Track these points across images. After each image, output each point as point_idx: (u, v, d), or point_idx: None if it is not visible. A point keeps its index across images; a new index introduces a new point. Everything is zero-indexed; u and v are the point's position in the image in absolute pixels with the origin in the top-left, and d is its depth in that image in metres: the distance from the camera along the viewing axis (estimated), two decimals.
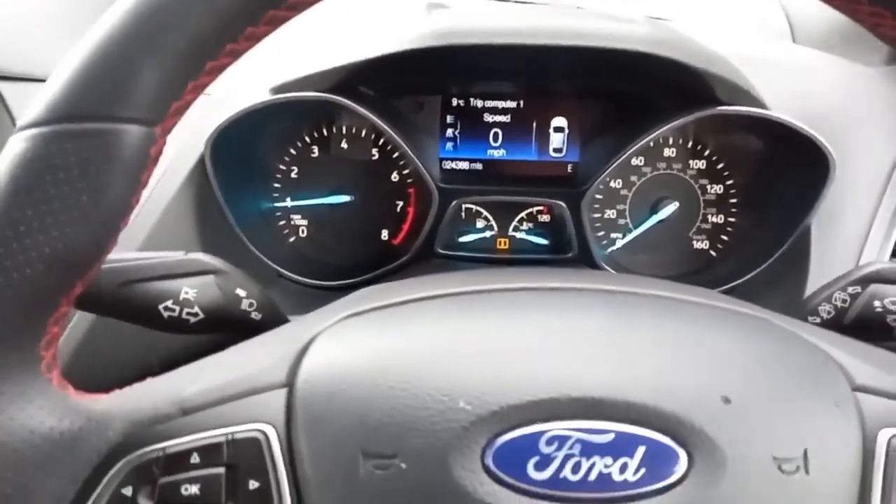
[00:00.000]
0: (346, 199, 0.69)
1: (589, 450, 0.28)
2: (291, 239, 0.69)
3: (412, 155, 0.62)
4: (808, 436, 0.29)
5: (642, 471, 0.28)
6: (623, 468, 0.28)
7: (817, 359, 0.32)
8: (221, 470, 0.29)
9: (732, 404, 0.29)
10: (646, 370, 0.29)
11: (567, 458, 0.28)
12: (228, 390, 0.30)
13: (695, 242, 0.69)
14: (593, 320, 0.33)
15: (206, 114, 0.57)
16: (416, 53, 0.56)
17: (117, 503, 0.28)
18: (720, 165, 0.67)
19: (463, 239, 0.69)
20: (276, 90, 0.59)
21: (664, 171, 0.68)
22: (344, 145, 0.68)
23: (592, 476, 0.28)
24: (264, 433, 0.29)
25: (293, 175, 0.68)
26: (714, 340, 0.32)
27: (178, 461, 0.29)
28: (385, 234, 0.70)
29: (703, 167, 0.68)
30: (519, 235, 0.69)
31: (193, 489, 0.28)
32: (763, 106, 0.59)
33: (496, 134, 0.68)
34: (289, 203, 0.69)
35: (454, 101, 0.68)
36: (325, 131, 0.67)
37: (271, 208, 0.68)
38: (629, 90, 0.65)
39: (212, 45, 0.28)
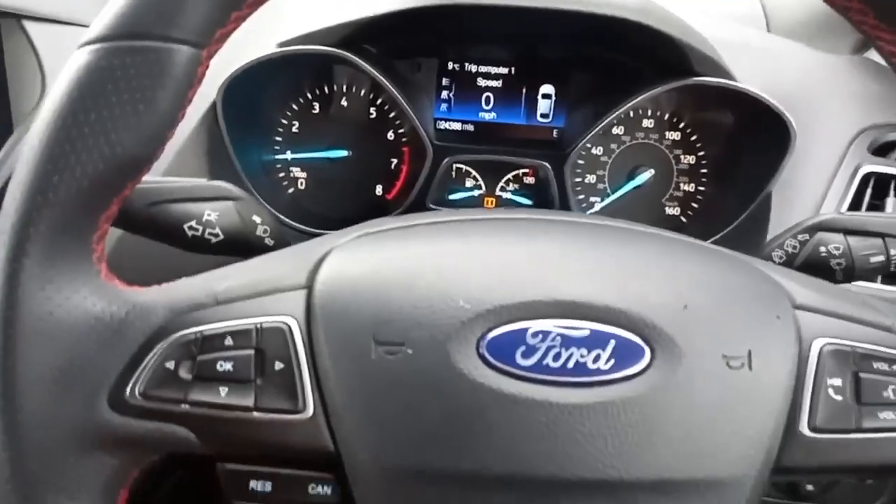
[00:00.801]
0: (343, 154, 0.72)
1: (568, 342, 0.33)
2: (290, 190, 0.73)
3: (410, 112, 0.66)
4: (753, 339, 0.34)
5: (612, 361, 0.33)
6: (596, 358, 0.33)
7: (764, 282, 0.37)
8: (251, 352, 0.33)
9: (689, 310, 0.34)
10: (618, 280, 0.34)
11: (549, 348, 0.33)
12: (256, 287, 0.35)
13: (667, 208, 0.74)
14: (576, 242, 0.37)
15: (218, 63, 0.61)
16: (416, 11, 0.60)
17: (161, 374, 0.32)
18: (693, 137, 0.72)
19: (453, 196, 0.74)
20: (284, 44, 0.63)
21: (642, 140, 0.73)
22: (343, 103, 0.72)
23: (570, 364, 0.33)
24: (287, 324, 0.34)
25: (294, 129, 0.72)
26: (677, 261, 0.37)
27: (213, 342, 0.33)
28: (379, 190, 0.74)
29: (678, 138, 0.73)
30: (505, 195, 0.74)
31: (227, 366, 0.33)
32: (734, 80, 0.64)
33: (488, 98, 0.72)
34: (289, 156, 0.72)
35: (450, 65, 0.72)
36: (326, 89, 0.71)
37: (273, 160, 0.72)
38: (613, 58, 0.69)
39: None
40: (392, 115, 0.71)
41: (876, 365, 0.34)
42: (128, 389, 0.32)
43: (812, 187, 0.65)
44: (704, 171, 0.73)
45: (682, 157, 0.73)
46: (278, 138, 0.72)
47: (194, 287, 0.35)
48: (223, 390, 0.33)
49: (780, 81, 0.70)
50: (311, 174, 0.73)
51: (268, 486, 0.34)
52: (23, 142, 0.56)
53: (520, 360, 0.33)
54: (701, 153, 0.73)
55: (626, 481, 0.32)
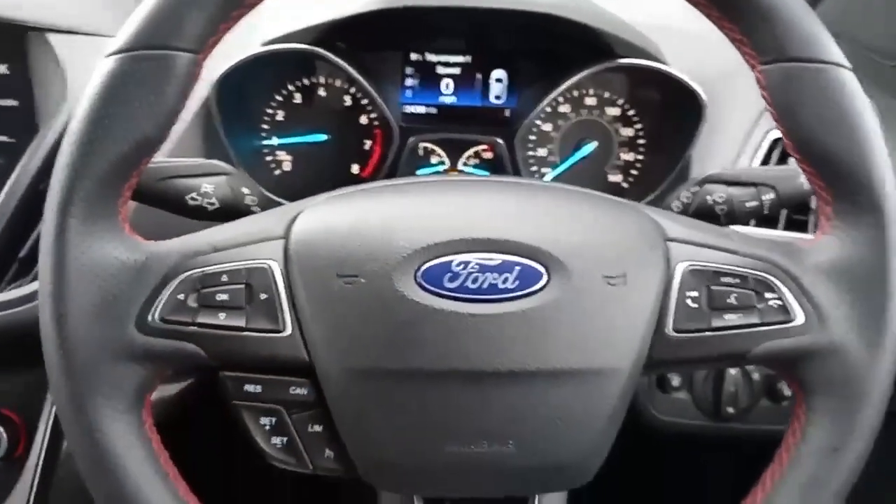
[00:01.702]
0: (322, 138, 0.82)
1: (483, 269, 0.42)
2: (277, 172, 0.83)
3: (379, 100, 0.76)
4: (628, 263, 0.44)
5: (517, 282, 0.42)
6: (505, 280, 0.42)
7: (643, 220, 0.46)
8: (242, 286, 0.43)
9: (578, 243, 0.44)
10: (523, 222, 0.44)
11: (469, 274, 0.42)
12: (245, 238, 0.44)
13: (610, 176, 0.84)
14: (491, 196, 0.47)
15: (210, 61, 0.71)
16: (379, 12, 0.70)
17: (174, 303, 0.42)
18: (630, 112, 0.82)
19: (420, 172, 0.83)
20: (267, 43, 0.73)
21: (586, 116, 0.82)
22: (321, 93, 0.81)
23: (486, 285, 0.42)
24: (270, 265, 0.43)
25: (278, 118, 0.81)
26: (572, 206, 0.46)
27: (212, 279, 0.43)
28: (356, 168, 0.84)
29: (618, 114, 0.82)
30: (467, 169, 0.84)
31: (224, 297, 0.42)
32: (657, 61, 0.74)
33: (447, 84, 0.82)
34: (275, 141, 0.82)
35: (413, 56, 0.81)
36: (305, 81, 0.81)
37: (261, 145, 0.82)
38: (552, 47, 0.79)
39: None
40: (364, 102, 0.81)
41: (724, 279, 0.44)
42: (149, 316, 0.42)
43: (727, 151, 0.75)
44: (641, 141, 0.83)
45: (621, 129, 0.83)
46: (265, 126, 0.81)
47: (197, 239, 0.45)
48: (222, 315, 0.42)
49: (705, 60, 0.80)
50: (295, 156, 0.83)
51: (258, 388, 0.44)
52: (46, 137, 0.66)
53: (447, 284, 0.42)
54: (638, 126, 0.82)
55: (528, 370, 0.42)
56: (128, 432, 0.42)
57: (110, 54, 0.41)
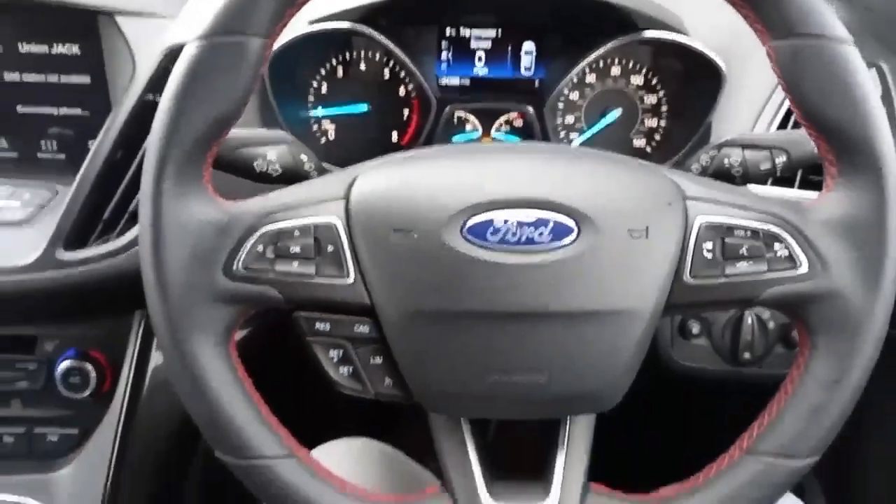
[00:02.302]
0: (364, 108, 0.88)
1: (522, 225, 0.48)
2: (322, 140, 0.89)
3: (416, 72, 0.82)
4: (650, 218, 0.49)
5: (551, 235, 0.48)
6: (540, 234, 0.48)
7: (663, 181, 0.52)
8: (311, 240, 0.49)
9: (605, 201, 0.50)
10: (556, 183, 0.50)
11: (508, 229, 0.48)
12: (311, 199, 0.50)
13: (634, 141, 0.89)
14: (528, 159, 0.53)
15: None
16: None
17: (255, 254, 0.48)
18: (654, 81, 0.86)
19: (456, 139, 0.89)
20: (313, 22, 0.79)
21: (611, 85, 0.87)
22: (362, 67, 0.87)
23: (523, 238, 0.48)
24: (333, 222, 0.50)
25: (323, 91, 0.88)
26: (599, 167, 0.52)
27: (286, 233, 0.49)
28: (395, 136, 0.90)
29: (641, 83, 0.87)
30: (499, 136, 0.89)
31: (296, 248, 0.49)
32: (679, 32, 0.78)
33: (480, 56, 0.87)
34: (320, 112, 0.88)
35: (447, 31, 0.86)
36: (348, 56, 0.86)
37: (308, 115, 0.88)
38: (578, 20, 0.84)
39: None
40: (402, 74, 0.86)
41: (736, 232, 0.50)
42: (234, 265, 0.48)
43: (745, 117, 0.79)
44: (664, 108, 0.87)
45: (645, 97, 0.87)
46: (311, 98, 0.87)
47: (271, 200, 0.51)
48: (295, 264, 0.49)
49: (725, 27, 0.84)
50: (339, 126, 0.89)
51: (327, 326, 0.51)
52: (119, 113, 0.73)
53: (490, 238, 0.48)
54: (661, 94, 0.87)
55: (560, 311, 0.48)
56: (218, 362, 0.49)
57: (193, 40, 0.47)
